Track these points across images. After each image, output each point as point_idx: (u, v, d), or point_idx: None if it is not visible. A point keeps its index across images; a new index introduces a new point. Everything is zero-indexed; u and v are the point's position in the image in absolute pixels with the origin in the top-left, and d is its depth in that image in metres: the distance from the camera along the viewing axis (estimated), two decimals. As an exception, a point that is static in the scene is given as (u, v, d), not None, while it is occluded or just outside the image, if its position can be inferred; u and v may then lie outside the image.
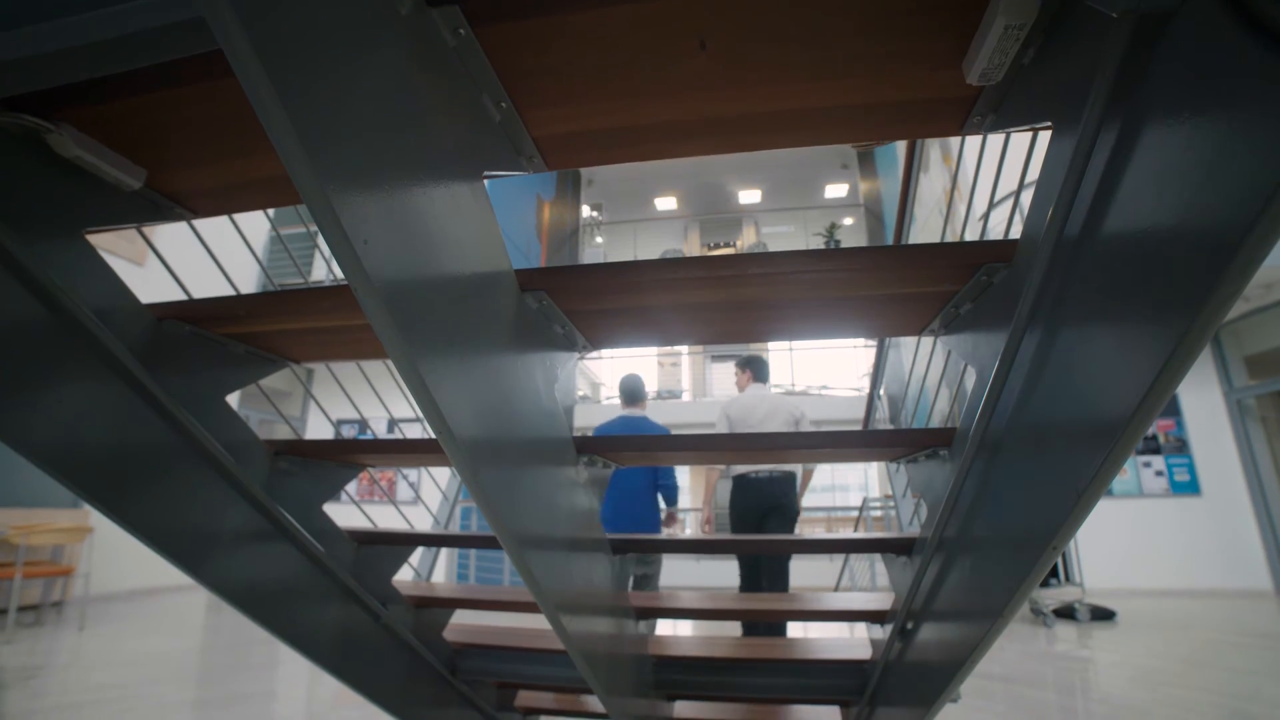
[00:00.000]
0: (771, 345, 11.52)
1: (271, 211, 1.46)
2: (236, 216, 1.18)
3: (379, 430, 8.22)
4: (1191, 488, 6.74)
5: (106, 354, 0.80)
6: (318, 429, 8.94)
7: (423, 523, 3.58)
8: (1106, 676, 3.10)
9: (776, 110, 0.77)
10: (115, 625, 4.35)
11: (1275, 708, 2.48)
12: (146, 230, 1.09)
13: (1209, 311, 0.38)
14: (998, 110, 0.74)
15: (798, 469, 3.40)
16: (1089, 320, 0.54)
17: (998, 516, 0.74)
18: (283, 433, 8.69)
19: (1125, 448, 0.48)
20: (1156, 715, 2.38)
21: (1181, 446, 6.87)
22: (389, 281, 0.47)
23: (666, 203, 12.57)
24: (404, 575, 2.87)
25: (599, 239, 12.57)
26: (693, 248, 12.59)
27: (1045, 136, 0.73)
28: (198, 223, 1.12)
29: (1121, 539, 6.49)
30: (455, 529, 4.19)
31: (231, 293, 1.09)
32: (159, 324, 0.95)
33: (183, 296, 1.02)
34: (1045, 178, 0.64)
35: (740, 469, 3.41)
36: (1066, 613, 4.79)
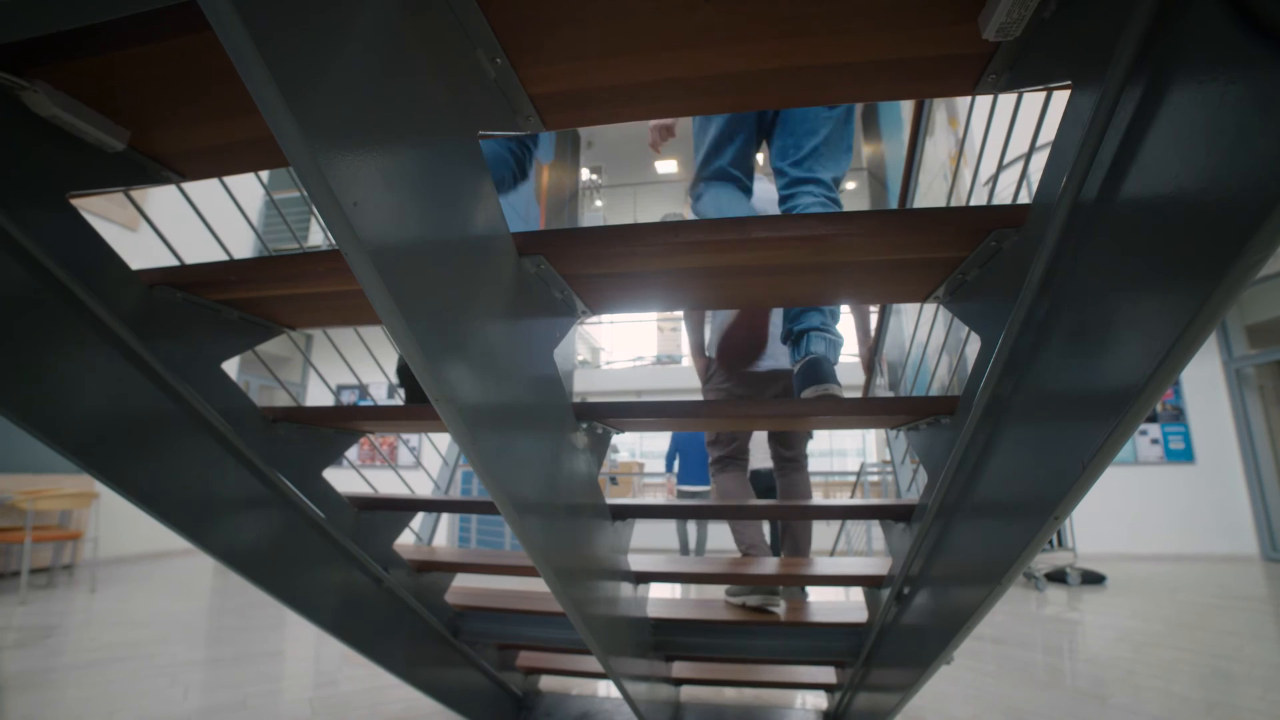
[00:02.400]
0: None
1: (266, 176, 1.43)
2: (230, 180, 1.15)
3: (379, 395, 8.25)
4: (1186, 455, 6.80)
5: (97, 321, 0.79)
6: (318, 394, 8.97)
7: (423, 487, 3.62)
8: (1094, 638, 3.18)
9: (782, 67, 0.73)
10: (125, 587, 4.43)
11: (1254, 666, 2.55)
12: (140, 194, 1.07)
13: (1231, 280, 0.37)
14: (1013, 68, 0.71)
15: None
16: (1102, 288, 0.52)
17: (999, 485, 0.74)
18: (283, 399, 8.72)
19: (1134, 419, 0.47)
20: (1141, 674, 2.45)
21: (1179, 415, 6.91)
22: (381, 245, 0.46)
23: (667, 166, 12.35)
24: (405, 539, 2.91)
25: (599, 203, 12.40)
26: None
27: (1059, 97, 0.71)
28: (191, 187, 1.10)
29: (1115, 505, 6.58)
30: (456, 494, 4.23)
31: (225, 258, 1.07)
32: (150, 290, 0.93)
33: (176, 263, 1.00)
34: (1061, 139, 0.62)
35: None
36: (1058, 577, 4.88)
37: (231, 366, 7.12)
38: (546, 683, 2.15)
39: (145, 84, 0.76)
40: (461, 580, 1.69)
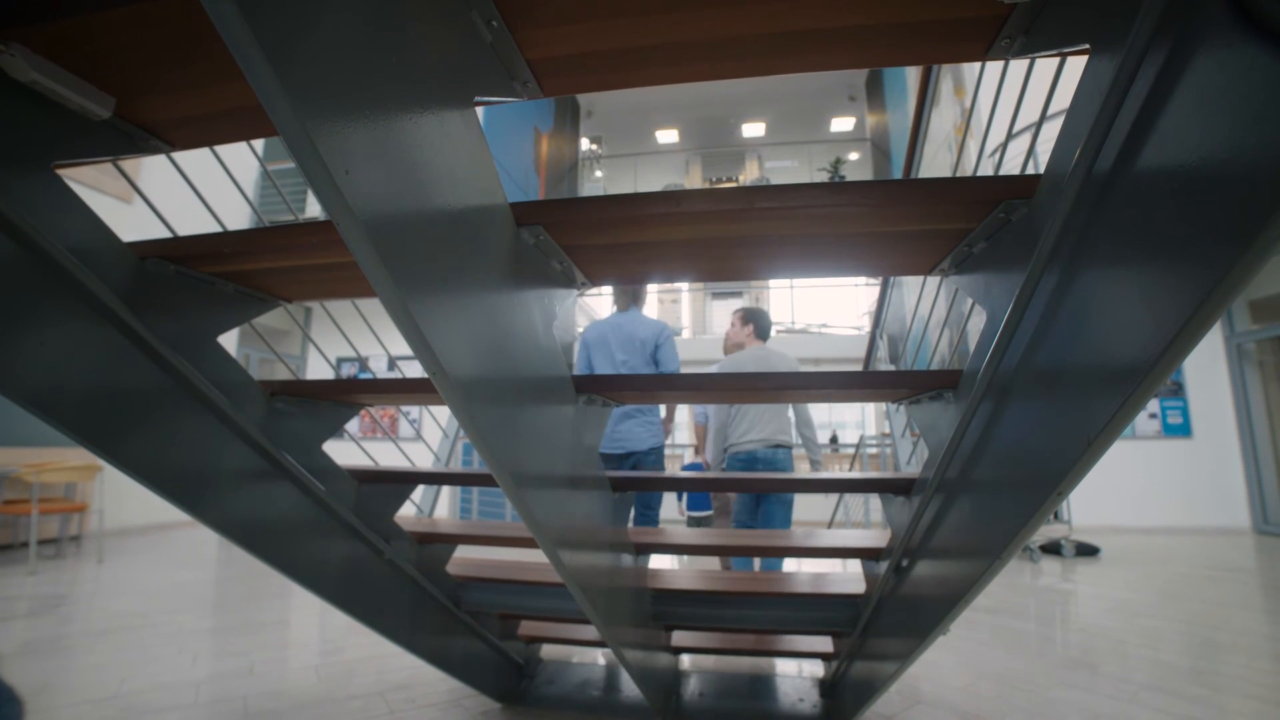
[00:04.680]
0: (772, 282, 11.44)
1: (261, 146, 1.40)
2: (226, 151, 1.13)
3: (379, 368, 8.25)
4: (1183, 430, 6.83)
5: (88, 295, 0.78)
6: (319, 367, 8.97)
7: (424, 460, 3.64)
8: (1086, 608, 3.23)
9: (789, 30, 0.71)
10: (132, 558, 4.49)
11: (1241, 635, 2.60)
12: (134, 166, 1.04)
13: (1253, 254, 0.35)
14: (1029, 32, 0.68)
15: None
16: (1115, 261, 0.51)
17: (1002, 460, 0.73)
18: (282, 372, 8.72)
19: (1144, 395, 0.46)
20: (1130, 643, 2.49)
21: (1178, 390, 6.92)
22: (374, 215, 0.44)
23: (668, 136, 12.17)
24: (406, 511, 2.93)
25: (598, 173, 12.24)
26: (694, 182, 12.29)
27: (1073, 64, 0.68)
28: (187, 159, 1.07)
29: (1111, 479, 6.62)
30: (457, 466, 4.26)
31: (218, 230, 1.05)
32: (142, 263, 0.91)
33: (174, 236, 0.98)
34: (1077, 106, 0.60)
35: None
36: (1053, 549, 4.94)
37: (231, 340, 7.09)
38: (548, 651, 2.19)
39: (129, 48, 0.74)
40: (463, 551, 1.71)
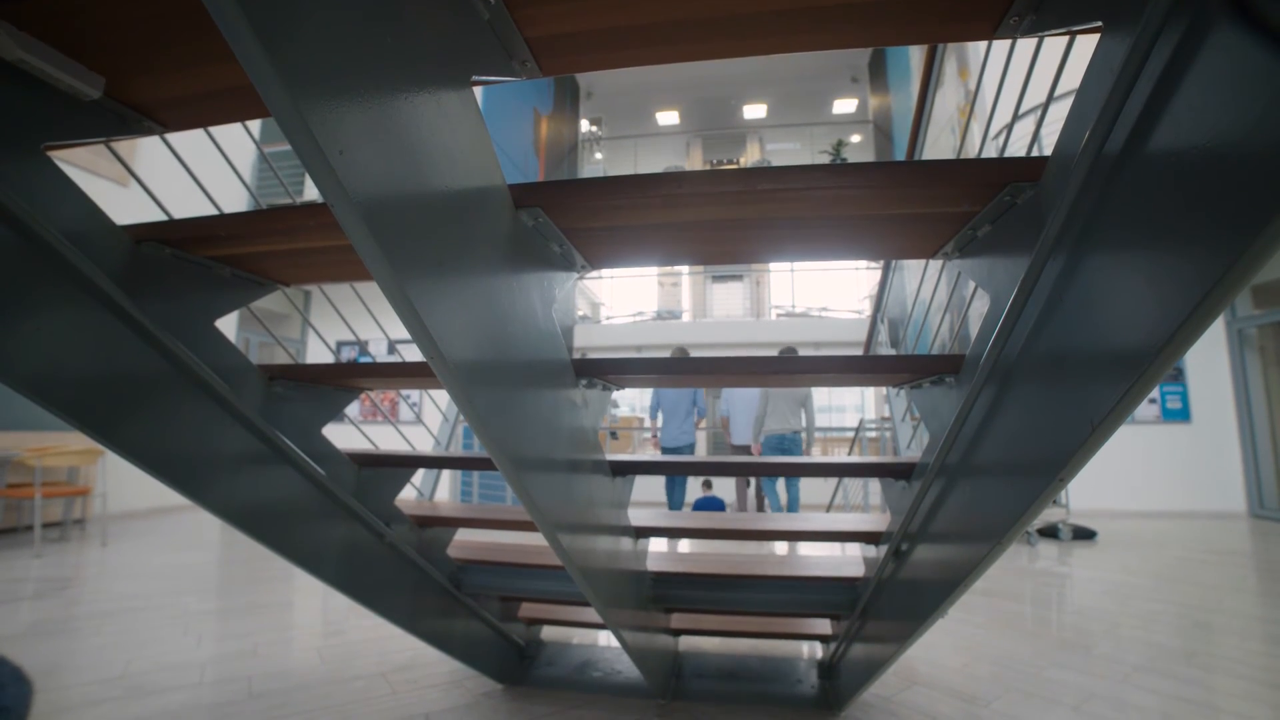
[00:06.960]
0: (772, 265, 11.40)
1: (257, 128, 1.38)
2: (224, 132, 1.11)
3: (379, 351, 8.24)
4: (1182, 415, 6.84)
5: (83, 279, 0.77)
6: (318, 351, 8.96)
7: (424, 443, 3.64)
8: (1081, 591, 3.26)
9: (792, 7, 0.69)
10: (136, 541, 4.52)
11: (1233, 618, 2.63)
12: (130, 147, 1.03)
13: (1264, 240, 0.35)
14: (1039, 9, 0.66)
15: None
16: (1123, 245, 0.50)
17: (1004, 445, 0.73)
18: (282, 357, 8.71)
19: (1149, 381, 0.46)
20: (1124, 625, 2.52)
21: (1178, 375, 6.91)
22: (369, 197, 0.44)
23: (668, 117, 12.04)
24: (407, 494, 2.94)
25: (598, 155, 12.13)
26: (694, 164, 12.18)
27: (1082, 45, 0.67)
28: (185, 141, 1.06)
29: (1109, 463, 6.64)
30: (457, 449, 4.27)
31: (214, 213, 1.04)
32: (137, 246, 0.90)
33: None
34: (1087, 87, 0.58)
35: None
36: (1050, 532, 4.97)
37: (230, 324, 7.06)
38: (548, 633, 2.21)
39: (118, 26, 0.72)
40: (463, 535, 1.72)
